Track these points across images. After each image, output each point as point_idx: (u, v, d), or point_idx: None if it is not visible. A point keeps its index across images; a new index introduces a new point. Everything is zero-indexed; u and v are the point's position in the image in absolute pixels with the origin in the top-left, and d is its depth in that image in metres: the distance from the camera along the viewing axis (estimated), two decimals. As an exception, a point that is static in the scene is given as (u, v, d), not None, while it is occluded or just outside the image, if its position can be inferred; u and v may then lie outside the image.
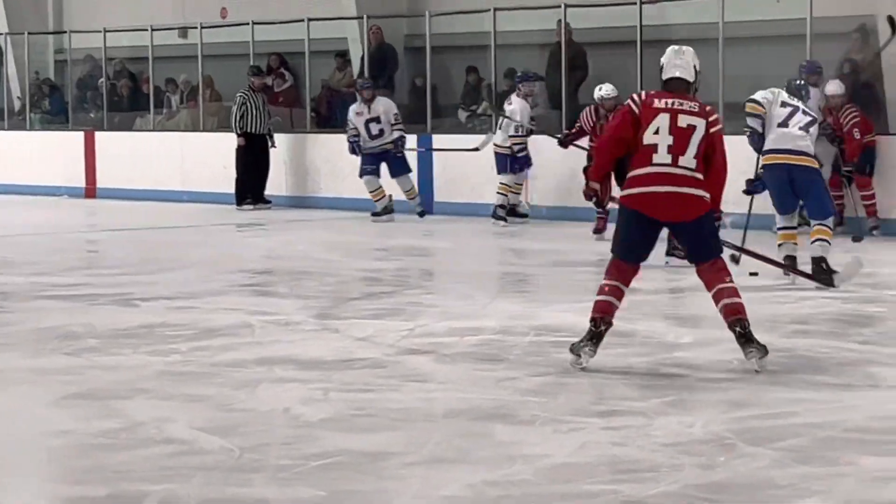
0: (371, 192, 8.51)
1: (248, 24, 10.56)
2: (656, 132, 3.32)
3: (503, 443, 2.63)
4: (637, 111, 3.38)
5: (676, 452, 2.49)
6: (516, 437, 2.68)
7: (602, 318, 3.32)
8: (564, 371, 3.38)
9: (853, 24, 7.98)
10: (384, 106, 8.49)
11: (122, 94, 11.89)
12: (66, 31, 12.24)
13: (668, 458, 2.45)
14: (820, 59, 7.43)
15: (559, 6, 8.72)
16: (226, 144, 9.92)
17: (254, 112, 9.60)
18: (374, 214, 8.47)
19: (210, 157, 10.42)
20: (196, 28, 11.02)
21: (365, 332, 4.21)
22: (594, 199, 3.71)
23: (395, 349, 3.88)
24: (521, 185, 8.16)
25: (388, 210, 8.49)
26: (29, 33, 12.28)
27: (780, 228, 5.44)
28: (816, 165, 5.41)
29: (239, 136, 9.59)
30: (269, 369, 3.52)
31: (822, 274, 5.10)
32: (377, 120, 8.46)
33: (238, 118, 9.63)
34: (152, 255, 6.95)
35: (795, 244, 5.35)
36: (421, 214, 8.47)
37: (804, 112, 5.28)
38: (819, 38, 7.65)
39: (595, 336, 3.30)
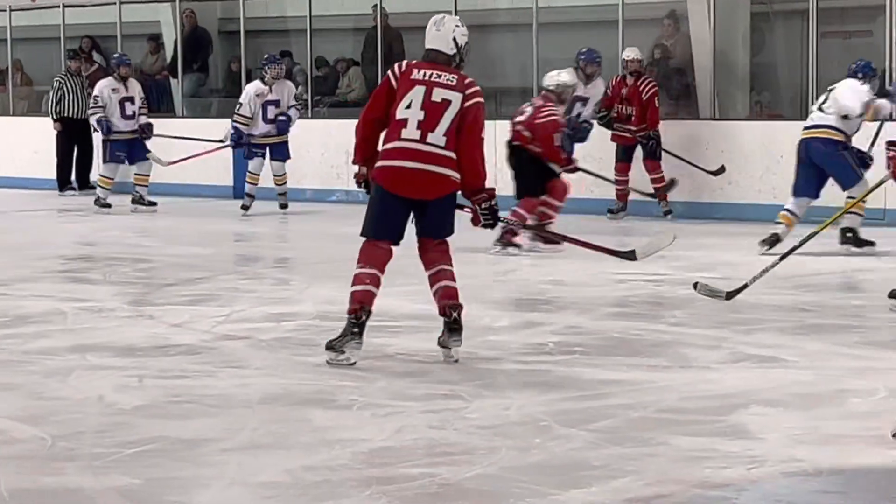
0: (104, 179, 8.31)
1: (58, 6, 10.21)
2: (408, 106, 3.24)
3: (321, 428, 2.64)
4: (395, 83, 3.30)
5: (492, 435, 2.54)
6: (334, 421, 2.69)
7: (362, 309, 3.23)
8: (383, 355, 3.42)
9: (664, 10, 8.30)
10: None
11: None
12: None
13: (484, 440, 2.49)
14: (634, 44, 7.59)
15: (376, -10, 8.75)
16: (38, 128, 9.60)
17: (70, 97, 9.32)
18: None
19: (22, 141, 10.09)
20: (5, 11, 10.49)
21: (180, 319, 4.18)
22: (363, 185, 3.44)
23: (210, 335, 3.86)
24: None
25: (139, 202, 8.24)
26: None
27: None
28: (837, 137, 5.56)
29: (56, 121, 9.32)
30: (83, 357, 3.45)
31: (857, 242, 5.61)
32: (131, 100, 8.28)
33: (54, 103, 9.36)
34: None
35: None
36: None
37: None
38: (631, 24, 7.88)
39: (359, 327, 3.22)
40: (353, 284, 3.29)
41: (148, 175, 8.32)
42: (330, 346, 3.25)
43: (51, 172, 9.52)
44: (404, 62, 3.43)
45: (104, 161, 8.39)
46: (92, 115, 8.31)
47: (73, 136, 9.39)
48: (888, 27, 7.12)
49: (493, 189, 3.43)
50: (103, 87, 8.29)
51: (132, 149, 8.27)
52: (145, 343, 3.70)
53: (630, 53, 7.49)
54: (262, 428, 2.63)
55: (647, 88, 7.39)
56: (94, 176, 9.22)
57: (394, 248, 3.33)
